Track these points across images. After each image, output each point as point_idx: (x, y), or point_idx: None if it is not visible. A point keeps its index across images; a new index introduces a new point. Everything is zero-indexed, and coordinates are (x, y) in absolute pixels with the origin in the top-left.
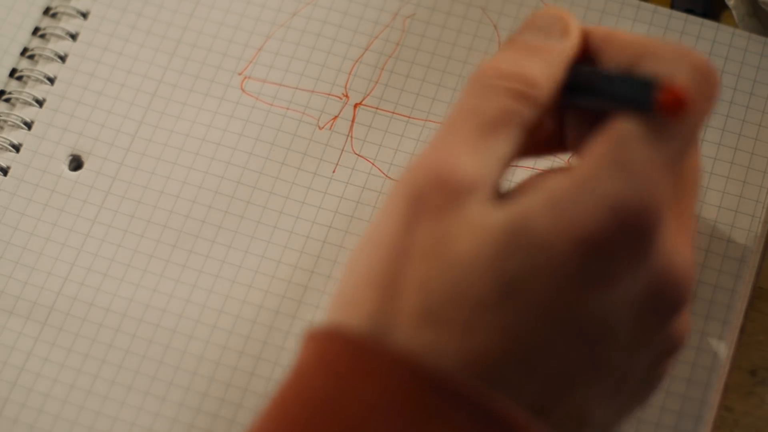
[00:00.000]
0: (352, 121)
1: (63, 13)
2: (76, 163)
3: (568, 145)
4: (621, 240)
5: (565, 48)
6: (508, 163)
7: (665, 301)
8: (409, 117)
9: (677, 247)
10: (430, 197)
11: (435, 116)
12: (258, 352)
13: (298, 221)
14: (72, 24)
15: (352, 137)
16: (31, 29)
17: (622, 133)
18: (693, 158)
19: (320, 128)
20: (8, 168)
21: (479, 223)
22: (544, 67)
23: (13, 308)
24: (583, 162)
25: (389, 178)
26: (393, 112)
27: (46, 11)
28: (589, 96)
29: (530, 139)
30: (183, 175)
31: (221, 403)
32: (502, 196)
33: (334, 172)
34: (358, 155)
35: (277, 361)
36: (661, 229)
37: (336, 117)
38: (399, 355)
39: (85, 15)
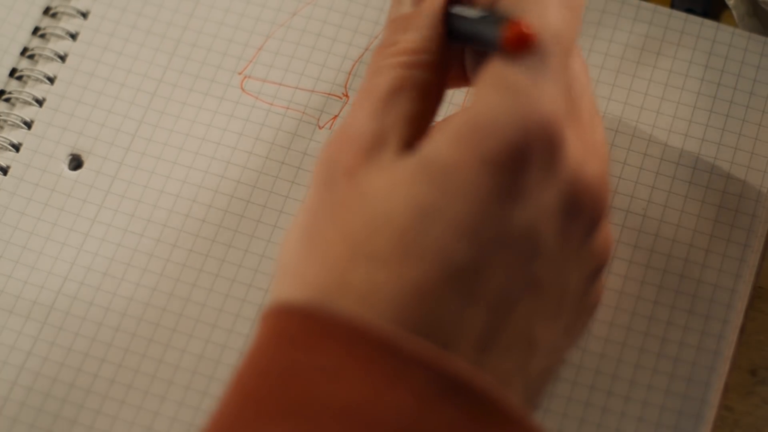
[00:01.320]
0: None
1: (63, 13)
2: (76, 163)
3: (470, 79)
4: (528, 154)
5: (428, 9)
6: (419, 119)
7: (582, 210)
8: None
9: (585, 158)
10: (343, 159)
11: None
12: None
13: None
14: (72, 24)
15: None
16: (31, 29)
17: (500, 63)
18: (577, 79)
19: (320, 128)
20: (8, 167)
21: (392, 167)
22: (418, 33)
23: (13, 307)
24: (475, 96)
25: None
26: None
27: (46, 11)
28: (464, 40)
29: (438, 92)
30: (183, 174)
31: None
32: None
33: None
34: None
35: None
36: (564, 139)
37: (336, 116)
38: (348, 320)
39: (85, 15)
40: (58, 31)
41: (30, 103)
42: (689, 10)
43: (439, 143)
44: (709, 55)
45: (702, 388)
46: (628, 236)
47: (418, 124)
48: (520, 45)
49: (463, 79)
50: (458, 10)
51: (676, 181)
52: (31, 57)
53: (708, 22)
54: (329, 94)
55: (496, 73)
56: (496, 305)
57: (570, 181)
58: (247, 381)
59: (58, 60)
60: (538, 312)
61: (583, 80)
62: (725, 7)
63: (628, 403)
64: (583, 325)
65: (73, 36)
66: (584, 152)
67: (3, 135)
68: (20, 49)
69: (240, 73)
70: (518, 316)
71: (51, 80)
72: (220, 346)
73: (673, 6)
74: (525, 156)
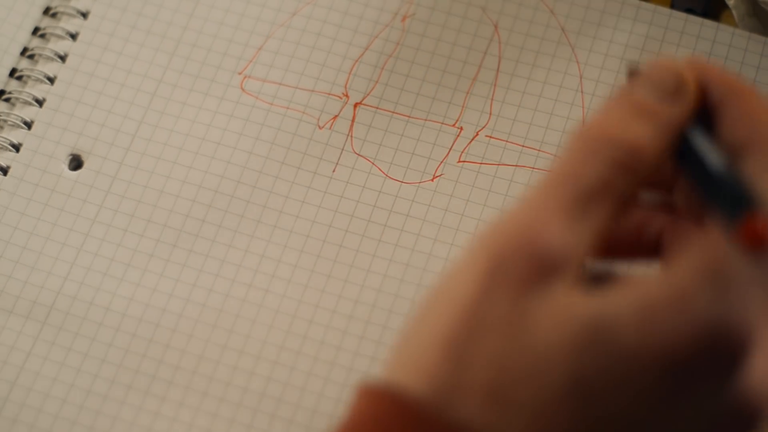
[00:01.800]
0: (352, 120)
1: (63, 13)
2: (76, 163)
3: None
4: (708, 363)
5: (677, 112)
6: (598, 238)
7: (743, 424)
8: (409, 116)
9: (760, 370)
10: (515, 267)
11: (435, 116)
12: (258, 351)
13: (298, 220)
14: (72, 24)
15: (352, 136)
16: (31, 29)
17: (720, 247)
18: None
19: (320, 127)
20: (8, 167)
21: (563, 311)
22: (653, 131)
23: (13, 307)
24: (678, 271)
25: (389, 177)
26: (393, 112)
27: (46, 11)
28: (691, 176)
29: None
30: (183, 174)
31: (220, 401)
32: (587, 282)
33: (334, 171)
34: (358, 155)
35: (277, 359)
36: (748, 353)
37: (336, 116)
38: (453, 424)
39: (85, 15)
40: (58, 31)
41: (30, 103)
42: (689, 11)
43: (621, 308)
44: (709, 56)
45: None
46: None
47: (602, 239)
48: (753, 244)
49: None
50: (702, 143)
51: None
52: (31, 57)
53: (708, 23)
54: (329, 93)
55: (702, 257)
56: None
57: (737, 398)
58: None
59: (58, 60)
60: None
61: None
62: (725, 7)
63: None
64: None
65: (73, 36)
66: (762, 362)
67: (3, 135)
68: (20, 49)
69: (240, 73)
70: None
71: (51, 80)
72: (220, 346)
73: (673, 6)
74: (708, 364)
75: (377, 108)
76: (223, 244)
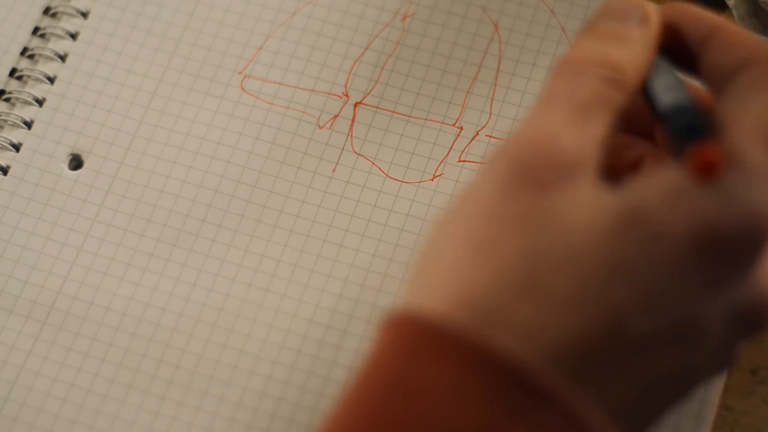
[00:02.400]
0: (353, 120)
1: (63, 13)
2: (76, 163)
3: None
4: (742, 241)
5: (646, 36)
6: (606, 145)
7: (755, 321)
8: (409, 116)
9: None
10: (535, 169)
11: (435, 115)
12: (258, 350)
13: (299, 220)
14: (72, 23)
15: (352, 136)
16: (31, 29)
17: (754, 128)
18: None
19: (320, 127)
20: (8, 167)
21: (592, 202)
22: (630, 55)
23: (13, 307)
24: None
25: (389, 177)
26: (393, 111)
27: (46, 11)
28: (654, 109)
29: (622, 123)
30: (183, 174)
31: (220, 401)
32: (605, 181)
33: (334, 171)
34: (359, 154)
35: (277, 359)
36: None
37: (336, 116)
38: (484, 343)
39: (85, 14)
40: (58, 31)
41: (30, 103)
42: None
43: (651, 196)
44: None
45: (702, 388)
46: None
47: (606, 151)
48: (704, 173)
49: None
50: (663, 65)
51: None
52: (31, 57)
53: None
54: (329, 93)
55: (746, 140)
56: (641, 386)
57: (761, 289)
58: (367, 394)
59: (58, 60)
60: (672, 398)
61: None
62: (725, 7)
63: None
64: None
65: (73, 36)
66: None
67: (3, 135)
68: (20, 49)
69: (240, 73)
70: (655, 399)
71: (51, 80)
72: (220, 346)
73: None
74: (742, 246)
75: (377, 107)
76: (223, 244)
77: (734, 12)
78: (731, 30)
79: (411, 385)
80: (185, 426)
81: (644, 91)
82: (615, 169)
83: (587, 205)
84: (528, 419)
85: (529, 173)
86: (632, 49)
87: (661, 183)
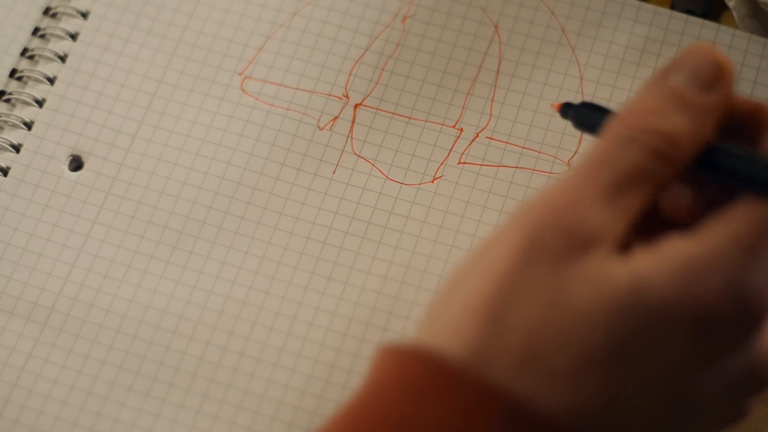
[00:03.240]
0: (353, 121)
1: (63, 13)
2: (76, 164)
3: (666, 210)
4: (737, 323)
5: (715, 103)
6: (635, 220)
7: (757, 386)
8: (409, 118)
9: None
10: (552, 243)
11: (435, 117)
12: (258, 354)
13: (299, 222)
14: (72, 24)
15: (352, 138)
16: (31, 29)
17: (759, 216)
18: None
19: (320, 129)
20: (8, 168)
21: (599, 278)
22: (689, 122)
23: (14, 309)
24: (713, 234)
25: (389, 178)
26: (393, 113)
27: (46, 11)
28: (727, 172)
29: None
30: (183, 175)
31: (221, 404)
32: (622, 253)
33: (334, 173)
34: (359, 156)
35: (277, 362)
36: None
37: (336, 118)
38: (491, 385)
39: (85, 15)
40: (58, 32)
41: (30, 104)
42: (689, 12)
43: (655, 270)
44: None
45: None
46: None
47: (635, 225)
48: None
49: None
50: (733, 143)
51: None
52: (31, 57)
53: (708, 24)
54: (329, 95)
55: (741, 222)
56: None
57: (758, 358)
58: (365, 420)
59: (58, 60)
60: None
61: None
62: (725, 8)
63: None
64: None
65: (73, 36)
66: None
67: (3, 136)
68: (20, 50)
69: (240, 74)
70: None
71: (51, 81)
72: (220, 348)
73: (673, 7)
74: (737, 324)
75: (377, 109)
76: (224, 246)
77: (734, 13)
78: None
79: (412, 420)
80: (186, 429)
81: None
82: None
83: (594, 281)
84: None
85: (544, 246)
86: (695, 117)
87: (669, 259)
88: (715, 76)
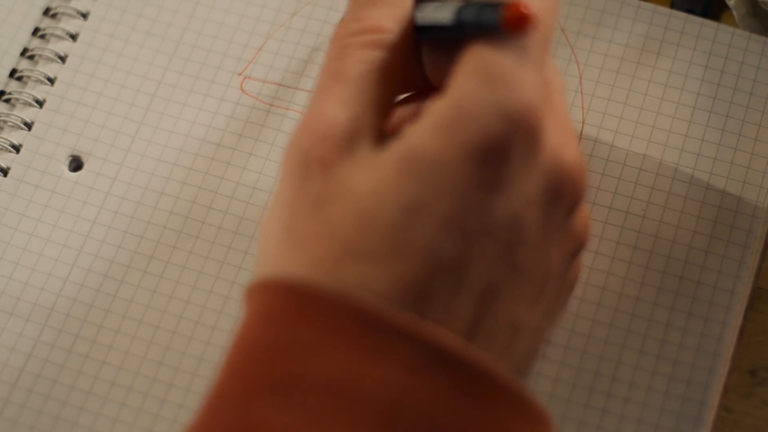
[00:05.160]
0: None
1: (63, 14)
2: (76, 164)
3: (432, 81)
4: (511, 143)
5: None
6: (384, 105)
7: (563, 195)
8: None
9: (562, 144)
10: (315, 153)
11: None
12: None
13: None
14: (72, 24)
15: None
16: (31, 30)
17: (482, 50)
18: (549, 67)
19: None
20: (8, 169)
21: (371, 162)
22: (388, 11)
23: (13, 309)
24: (455, 83)
25: None
26: None
27: (46, 12)
28: (440, 29)
29: (399, 77)
30: (183, 176)
31: None
32: (388, 137)
33: None
34: None
35: None
36: (544, 128)
37: None
38: (332, 295)
39: (85, 15)
40: (58, 32)
41: (30, 104)
42: (689, 11)
43: (420, 135)
44: (709, 56)
45: (701, 390)
46: (627, 237)
47: (385, 110)
48: (520, 25)
49: (423, 80)
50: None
51: (676, 182)
52: (31, 58)
53: (708, 22)
54: None
55: (477, 60)
56: (481, 294)
57: (550, 168)
58: (234, 360)
59: (58, 61)
60: (522, 297)
61: (550, 65)
62: (725, 7)
63: (628, 405)
64: (563, 304)
65: (73, 37)
66: (561, 137)
67: (3, 136)
68: (20, 50)
69: (240, 74)
70: (502, 302)
71: (51, 81)
72: (220, 348)
73: (673, 6)
74: (508, 146)
75: None
76: (223, 246)
77: (734, 12)
78: None
79: (270, 344)
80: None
81: (418, 34)
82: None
83: (370, 167)
84: (385, 357)
85: (310, 158)
86: (389, 3)
87: (426, 116)
88: None
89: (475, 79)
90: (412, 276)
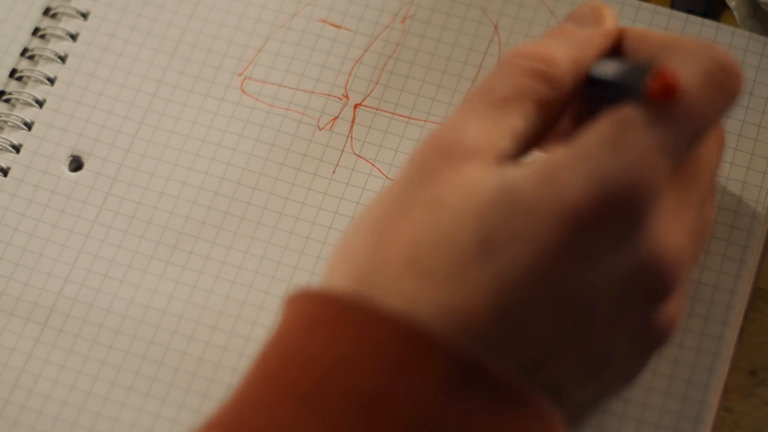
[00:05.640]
0: (352, 121)
1: (63, 14)
2: (76, 164)
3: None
4: (606, 217)
5: (593, 33)
6: (521, 137)
7: (647, 286)
8: (409, 118)
9: (669, 233)
10: (432, 162)
11: (435, 117)
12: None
13: (298, 222)
14: (72, 24)
15: (352, 138)
16: (31, 30)
17: (621, 116)
18: (708, 150)
19: (320, 129)
20: (8, 169)
21: (473, 184)
22: (567, 48)
23: (14, 309)
24: (581, 139)
25: (389, 178)
26: (393, 113)
27: (46, 12)
28: (601, 86)
29: (552, 124)
30: (183, 176)
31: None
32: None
33: (334, 173)
34: (358, 156)
35: None
36: (651, 212)
37: (336, 118)
38: (373, 307)
39: (85, 15)
40: (58, 32)
41: (30, 104)
42: (689, 11)
43: (525, 174)
44: None
45: (701, 390)
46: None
47: (522, 144)
48: (663, 94)
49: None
50: (606, 60)
51: None
52: (31, 58)
53: (708, 23)
54: (329, 95)
55: (611, 124)
56: (532, 352)
57: (643, 255)
58: (269, 364)
59: (58, 61)
60: (576, 370)
61: (711, 158)
62: (725, 7)
63: (628, 405)
64: (619, 391)
65: (74, 37)
66: (674, 229)
67: (3, 136)
68: (20, 50)
69: (240, 75)
70: (552, 368)
71: (51, 81)
72: (221, 348)
73: (673, 6)
74: (601, 219)
75: (377, 109)
76: (223, 246)
77: (735, 14)
78: (683, 42)
79: (308, 353)
80: (186, 429)
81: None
82: None
83: (468, 186)
84: (420, 373)
85: (426, 165)
86: (573, 44)
87: (539, 163)
88: (596, 16)
89: (599, 141)
90: (467, 307)
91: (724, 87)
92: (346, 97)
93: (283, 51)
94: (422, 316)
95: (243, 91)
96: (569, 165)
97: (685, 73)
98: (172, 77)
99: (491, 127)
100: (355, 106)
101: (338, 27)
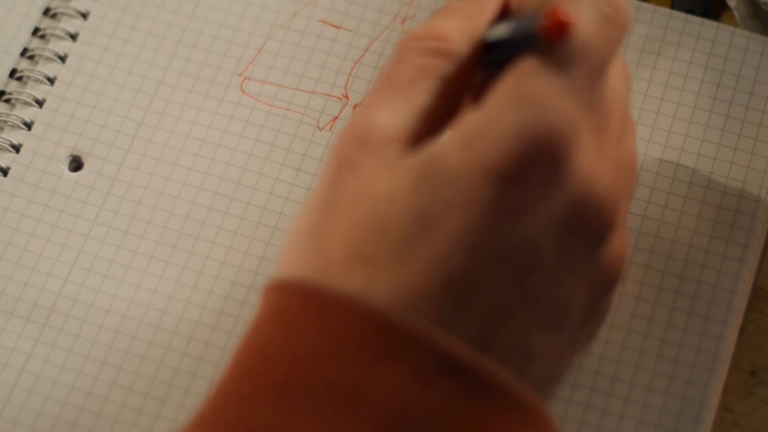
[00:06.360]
0: None
1: (63, 14)
2: (76, 164)
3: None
4: (530, 167)
5: (481, 3)
6: (432, 113)
7: (586, 225)
8: None
9: (595, 171)
10: (350, 154)
11: None
12: None
13: None
14: (72, 24)
15: None
16: (31, 30)
17: (520, 68)
18: (615, 83)
19: (320, 129)
20: (8, 169)
21: (395, 166)
22: (458, 22)
23: (13, 310)
24: (488, 100)
25: None
26: None
27: (46, 12)
28: (500, 49)
29: (458, 97)
30: (183, 176)
31: None
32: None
33: None
34: None
35: None
36: (572, 151)
37: (336, 118)
38: (344, 299)
39: (85, 15)
40: (58, 32)
41: (30, 104)
42: (689, 11)
43: (443, 146)
44: (709, 56)
45: (701, 390)
46: (627, 237)
47: (432, 120)
48: (557, 31)
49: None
50: (498, 24)
51: (676, 182)
52: (31, 58)
53: (708, 23)
54: (329, 95)
55: (513, 79)
56: (489, 315)
57: (575, 196)
58: (242, 358)
59: (58, 61)
60: (536, 324)
61: (619, 91)
62: (725, 7)
63: (628, 405)
64: (590, 336)
65: (73, 37)
66: (599, 166)
67: (3, 136)
68: (20, 50)
69: (240, 75)
70: (513, 326)
71: (51, 81)
72: (220, 349)
73: (673, 6)
74: (527, 169)
75: None
76: (223, 246)
77: (735, 13)
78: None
79: (281, 346)
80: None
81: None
82: None
83: (391, 171)
84: (394, 364)
85: (346, 160)
86: (463, 17)
87: (454, 131)
88: None
89: (506, 97)
90: (418, 288)
91: (614, 19)
92: (346, 97)
93: (283, 51)
94: (378, 302)
95: (243, 91)
96: (482, 126)
97: (574, 10)
98: (172, 77)
99: (400, 108)
100: (355, 107)
101: (338, 27)
